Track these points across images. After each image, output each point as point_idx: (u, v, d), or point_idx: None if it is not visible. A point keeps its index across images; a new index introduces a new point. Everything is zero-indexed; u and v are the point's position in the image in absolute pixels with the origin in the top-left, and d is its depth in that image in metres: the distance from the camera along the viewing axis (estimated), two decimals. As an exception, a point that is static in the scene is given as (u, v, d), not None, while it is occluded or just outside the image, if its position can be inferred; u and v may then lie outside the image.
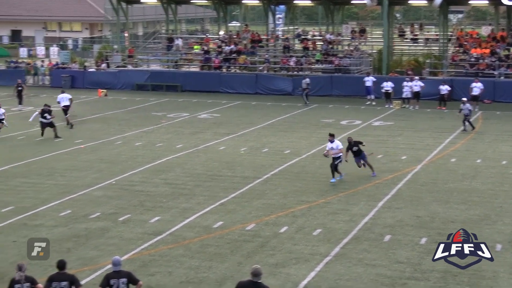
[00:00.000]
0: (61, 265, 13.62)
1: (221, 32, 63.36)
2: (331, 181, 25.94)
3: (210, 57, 56.20)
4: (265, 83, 51.83)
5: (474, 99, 43.64)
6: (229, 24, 68.69)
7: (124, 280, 13.54)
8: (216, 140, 34.45)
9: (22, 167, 28.63)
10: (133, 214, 22.24)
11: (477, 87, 43.75)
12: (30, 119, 36.15)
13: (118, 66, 58.45)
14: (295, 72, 52.86)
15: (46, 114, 34.65)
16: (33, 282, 13.35)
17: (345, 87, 50.05)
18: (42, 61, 61.45)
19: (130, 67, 58.11)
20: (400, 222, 21.50)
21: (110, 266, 14.34)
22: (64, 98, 39.28)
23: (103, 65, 58.53)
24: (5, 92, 50.68)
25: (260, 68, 54.22)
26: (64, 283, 13.40)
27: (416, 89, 44.97)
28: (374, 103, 46.32)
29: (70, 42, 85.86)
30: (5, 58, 65.13)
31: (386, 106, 45.37)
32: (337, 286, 16.65)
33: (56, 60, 63.85)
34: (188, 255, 18.59)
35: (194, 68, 57.58)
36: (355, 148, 26.73)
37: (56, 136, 34.59)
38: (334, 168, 26.04)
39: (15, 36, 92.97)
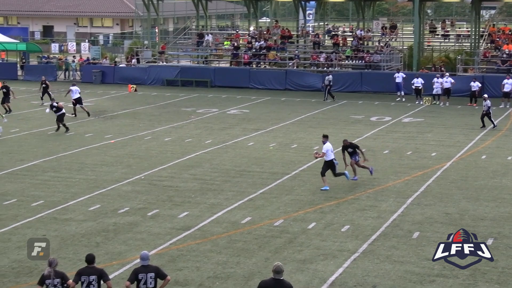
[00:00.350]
0: (90, 259, 13.69)
1: (251, 28, 63.40)
2: (349, 178, 25.27)
3: (240, 53, 56.24)
4: (295, 79, 51.77)
5: (505, 95, 43.38)
6: (260, 20, 68.66)
7: (152, 274, 13.57)
8: (245, 135, 34.47)
9: (53, 162, 28.85)
10: (162, 209, 22.31)
11: (508, 84, 43.41)
12: (47, 111, 36.59)
13: (148, 62, 58.70)
14: (325, 68, 52.72)
15: (54, 108, 35.02)
16: (63, 277, 13.40)
17: (375, 84, 49.87)
18: (73, 56, 61.90)
19: (164, 63, 58.20)
20: (429, 219, 21.37)
21: (138, 260, 14.39)
22: (75, 91, 40.24)
23: (133, 61, 58.79)
24: (37, 87, 51.04)
25: (290, 64, 54.16)
26: (92, 277, 13.47)
27: (447, 85, 44.67)
28: (404, 100, 46.09)
29: (101, 37, 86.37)
30: (37, 54, 65.60)
31: (416, 102, 45.13)
32: (364, 282, 16.59)
33: (87, 56, 64.27)
34: (216, 251, 18.62)
35: (224, 64, 57.69)
36: (350, 150, 25.74)
37: (64, 128, 35.12)
38: (335, 174, 24.94)
39: (47, 31, 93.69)
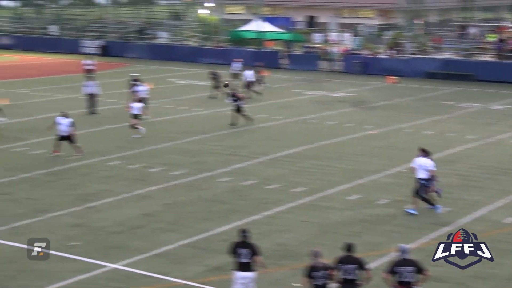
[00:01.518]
0: (350, 248, 13.82)
1: (519, 21, 60.73)
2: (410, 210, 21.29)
3: (506, 46, 54.06)
4: None
5: None
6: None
7: (410, 268, 13.45)
8: (511, 132, 33.11)
9: (313, 150, 29.40)
10: (421, 203, 21.97)
11: None
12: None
13: (411, 54, 58.01)
14: None
15: (230, 98, 34.61)
16: (329, 269, 13.57)
17: None
18: (335, 46, 62.66)
19: (426, 56, 57.14)
20: None
21: (395, 253, 14.27)
22: (249, 74, 42.89)
23: (392, 52, 58.22)
24: (300, 76, 52.39)
25: None
26: (352, 266, 13.58)
27: None
28: None
29: (362, 28, 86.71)
30: (300, 43, 67.21)
31: None
32: None
33: (348, 46, 64.82)
34: (477, 249, 18.07)
35: (489, 58, 55.76)
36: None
37: (248, 119, 34.37)
38: (423, 197, 21.17)
39: (310, 21, 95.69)
